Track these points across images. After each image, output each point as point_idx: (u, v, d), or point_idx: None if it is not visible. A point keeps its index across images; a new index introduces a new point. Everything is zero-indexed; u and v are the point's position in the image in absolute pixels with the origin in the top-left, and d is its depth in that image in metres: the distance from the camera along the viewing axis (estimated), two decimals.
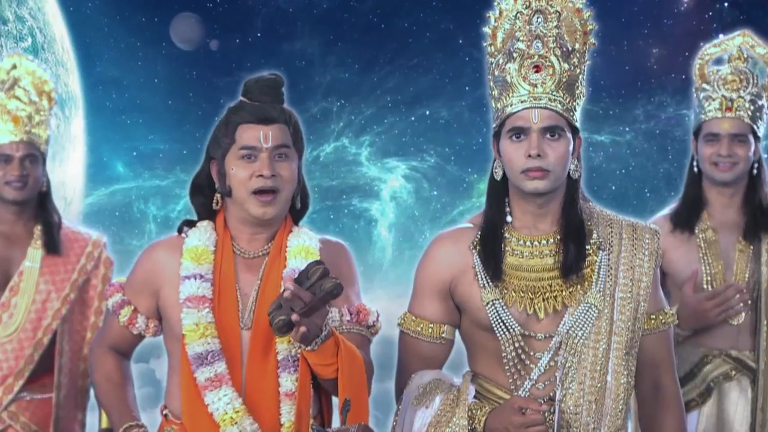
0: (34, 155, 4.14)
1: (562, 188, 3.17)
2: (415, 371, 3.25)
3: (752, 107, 4.19)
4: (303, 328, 3.02)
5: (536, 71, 3.10)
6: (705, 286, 4.20)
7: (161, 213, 8.58)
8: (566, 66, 3.10)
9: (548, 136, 3.09)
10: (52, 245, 4.19)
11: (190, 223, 3.37)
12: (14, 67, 4.18)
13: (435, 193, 8.97)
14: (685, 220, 4.26)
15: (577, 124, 3.16)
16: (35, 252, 4.19)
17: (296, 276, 3.08)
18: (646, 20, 8.95)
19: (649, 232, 3.25)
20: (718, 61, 4.35)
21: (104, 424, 3.91)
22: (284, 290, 3.04)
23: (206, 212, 3.36)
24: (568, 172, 3.15)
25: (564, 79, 3.10)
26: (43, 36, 8.51)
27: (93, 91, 8.87)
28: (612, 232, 3.23)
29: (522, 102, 3.10)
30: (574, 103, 3.13)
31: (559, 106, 3.09)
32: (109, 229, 8.19)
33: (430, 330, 3.25)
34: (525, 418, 3.00)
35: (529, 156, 3.08)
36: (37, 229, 4.20)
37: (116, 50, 9.08)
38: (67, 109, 8.45)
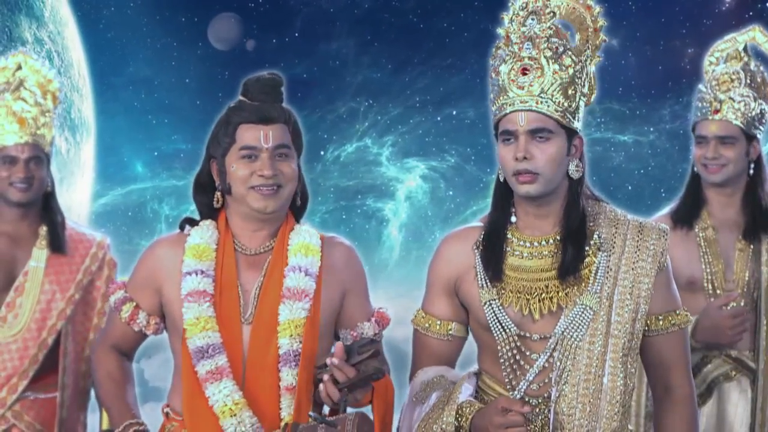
0: (39, 157, 4.14)
1: (561, 189, 3.16)
2: (424, 367, 3.29)
3: (743, 108, 4.15)
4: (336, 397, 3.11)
5: (523, 74, 3.09)
6: (705, 285, 4.22)
7: (174, 213, 8.64)
8: (556, 67, 3.08)
9: (537, 138, 3.08)
10: (57, 245, 4.20)
11: (192, 222, 3.43)
12: (19, 67, 4.19)
13: (450, 193, 8.98)
14: (684, 217, 4.26)
15: (576, 125, 3.12)
16: (40, 252, 4.20)
17: (348, 343, 3.15)
18: (686, 20, 8.88)
19: (656, 232, 3.22)
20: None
21: (105, 425, 3.92)
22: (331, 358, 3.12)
23: (209, 211, 3.42)
24: (567, 173, 3.14)
25: (554, 81, 3.07)
26: (60, 60, 8.61)
27: (123, 91, 8.94)
28: (617, 232, 3.20)
29: (510, 105, 3.10)
30: (568, 104, 3.09)
31: (546, 107, 3.07)
32: (119, 229, 8.24)
33: (438, 327, 3.28)
34: (505, 419, 2.99)
35: (517, 159, 3.08)
36: (42, 230, 4.21)
37: (152, 50, 9.14)
38: (78, 135, 8.53)
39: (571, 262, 3.12)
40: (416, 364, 3.33)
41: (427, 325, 3.29)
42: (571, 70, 3.09)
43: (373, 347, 3.11)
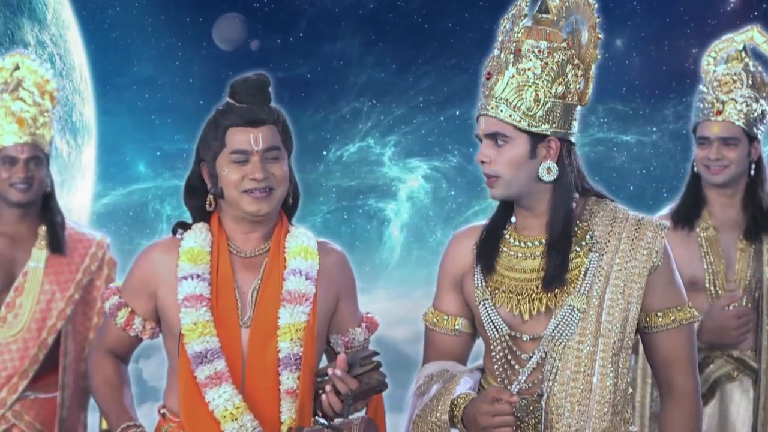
0: (38, 157, 4.14)
1: (543, 192, 3.15)
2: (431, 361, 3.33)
3: (746, 109, 4.15)
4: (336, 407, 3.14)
5: (487, 78, 3.10)
6: (706, 285, 4.23)
7: (175, 213, 8.63)
8: (513, 70, 3.05)
9: (496, 142, 3.09)
10: (57, 245, 4.20)
11: (185, 225, 3.41)
12: (17, 67, 4.19)
13: (452, 193, 8.98)
14: (685, 217, 4.27)
15: (542, 128, 3.07)
16: (40, 252, 4.19)
17: (350, 356, 3.16)
18: (690, 20, 8.88)
19: (652, 229, 3.18)
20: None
21: (104, 426, 3.92)
22: (328, 366, 3.15)
23: (200, 214, 3.40)
24: (539, 176, 3.11)
25: (512, 84, 3.06)
26: (62, 63, 8.63)
27: (127, 91, 8.95)
28: (612, 231, 3.17)
29: (477, 110, 3.14)
30: (527, 107, 3.05)
31: (500, 112, 3.06)
32: (121, 229, 8.24)
33: (445, 322, 3.31)
34: (492, 407, 3.01)
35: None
36: (42, 230, 4.20)
37: (156, 50, 9.16)
38: (79, 138, 8.55)
39: (555, 271, 3.12)
40: (424, 360, 3.35)
41: (435, 320, 3.32)
42: (530, 74, 3.05)
43: (375, 360, 3.13)
